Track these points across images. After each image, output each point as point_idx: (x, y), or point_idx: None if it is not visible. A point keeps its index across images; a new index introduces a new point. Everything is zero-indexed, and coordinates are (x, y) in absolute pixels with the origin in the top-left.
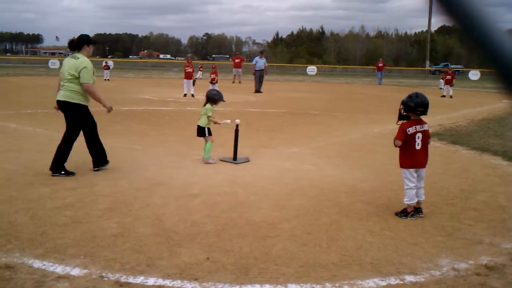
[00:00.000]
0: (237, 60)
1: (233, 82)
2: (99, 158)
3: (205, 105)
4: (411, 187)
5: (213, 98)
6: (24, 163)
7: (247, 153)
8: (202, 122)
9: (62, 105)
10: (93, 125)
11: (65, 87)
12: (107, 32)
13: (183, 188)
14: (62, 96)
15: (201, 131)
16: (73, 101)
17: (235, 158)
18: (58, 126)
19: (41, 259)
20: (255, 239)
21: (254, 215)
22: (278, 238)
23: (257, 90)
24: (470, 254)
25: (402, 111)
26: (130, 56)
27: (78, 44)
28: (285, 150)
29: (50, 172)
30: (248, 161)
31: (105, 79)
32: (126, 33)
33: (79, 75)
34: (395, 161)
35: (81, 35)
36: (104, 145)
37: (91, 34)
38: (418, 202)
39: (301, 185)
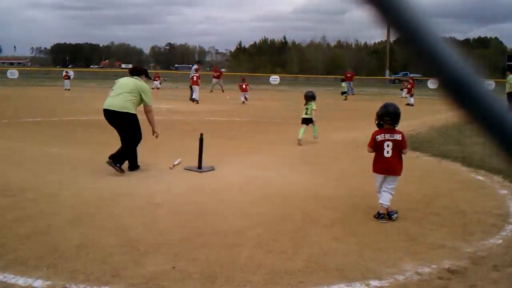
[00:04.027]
0: (217, 73)
1: (211, 91)
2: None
3: (306, 103)
4: (378, 190)
5: (314, 96)
6: None
7: (212, 161)
8: (310, 114)
9: (118, 115)
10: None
11: (122, 98)
12: (68, 42)
13: (147, 197)
14: (118, 107)
15: (309, 120)
16: (131, 112)
17: (200, 167)
18: (20, 136)
19: (2, 271)
20: (221, 248)
21: (219, 224)
22: (244, 246)
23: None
24: (433, 258)
25: (377, 121)
26: (90, 66)
27: (138, 72)
28: (249, 158)
29: (9, 185)
30: (213, 169)
31: (65, 89)
32: (87, 43)
33: (141, 94)
34: (358, 167)
35: (143, 67)
36: (64, 155)
37: (51, 44)
38: (382, 207)
39: (266, 193)
